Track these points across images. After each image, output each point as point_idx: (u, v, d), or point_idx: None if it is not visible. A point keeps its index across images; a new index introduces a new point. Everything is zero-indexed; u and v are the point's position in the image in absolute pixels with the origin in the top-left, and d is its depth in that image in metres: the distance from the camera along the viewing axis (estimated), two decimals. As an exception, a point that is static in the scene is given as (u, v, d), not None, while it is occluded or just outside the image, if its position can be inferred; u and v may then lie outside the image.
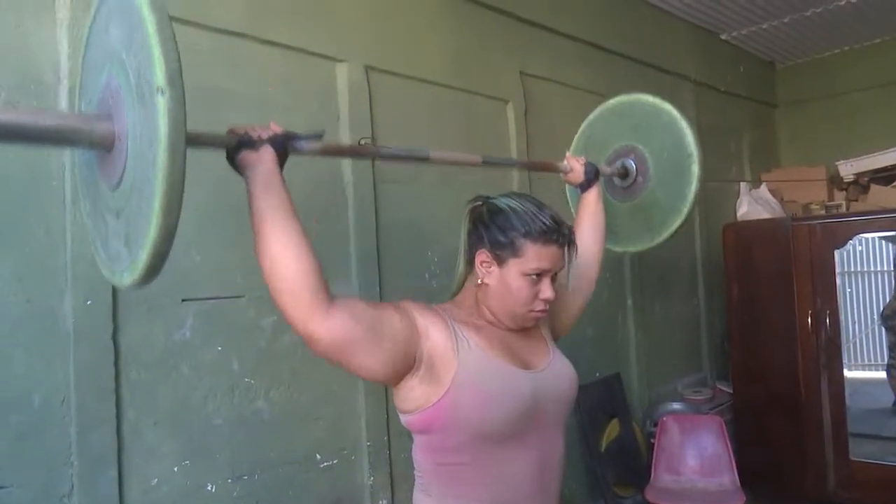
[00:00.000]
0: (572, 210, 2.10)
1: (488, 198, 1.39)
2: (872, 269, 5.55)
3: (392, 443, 2.55)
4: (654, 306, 4.18)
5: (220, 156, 2.19)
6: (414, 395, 1.27)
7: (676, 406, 4.03)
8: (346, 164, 2.55)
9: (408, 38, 2.82)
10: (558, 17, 3.56)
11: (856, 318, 5.50)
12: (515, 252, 1.30)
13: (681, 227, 1.99)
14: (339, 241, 2.52)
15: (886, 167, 4.61)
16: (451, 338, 1.27)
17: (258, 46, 2.33)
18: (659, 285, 4.22)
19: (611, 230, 2.04)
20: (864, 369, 5.53)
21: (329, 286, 1.17)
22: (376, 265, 2.60)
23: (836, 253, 3.89)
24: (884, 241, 5.09)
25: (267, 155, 1.15)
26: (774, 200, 4.88)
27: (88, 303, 1.85)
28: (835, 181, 4.91)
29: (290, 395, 2.31)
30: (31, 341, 1.77)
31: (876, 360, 5.50)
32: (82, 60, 1.16)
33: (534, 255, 1.30)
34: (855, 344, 5.46)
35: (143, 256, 0.91)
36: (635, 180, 2.02)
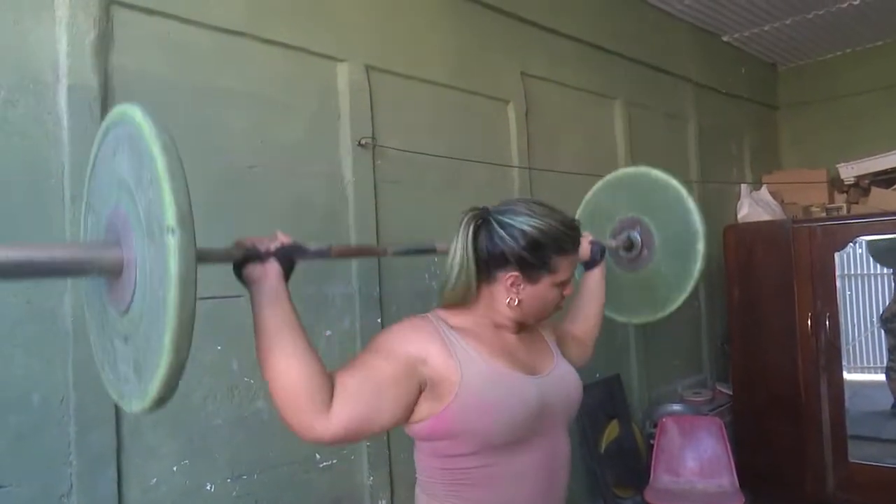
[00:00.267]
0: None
1: (491, 213, 1.34)
2: (872, 271, 5.54)
3: (392, 443, 2.55)
4: (654, 308, 4.17)
5: (217, 155, 2.19)
6: (419, 409, 1.26)
7: (676, 407, 4.02)
8: (347, 164, 2.55)
9: (408, 37, 2.82)
10: (559, 17, 3.56)
11: (855, 321, 5.49)
12: (550, 270, 1.33)
13: (683, 303, 2.02)
14: (340, 241, 2.51)
15: (887, 170, 4.61)
16: (449, 352, 1.25)
17: (258, 45, 2.33)
18: (659, 287, 4.21)
19: (614, 300, 2.06)
20: (863, 372, 5.51)
21: (329, 382, 1.15)
22: (376, 265, 2.59)
23: (837, 255, 3.89)
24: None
25: (272, 269, 1.14)
26: (775, 202, 4.88)
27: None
28: (835, 184, 4.90)
29: (290, 395, 2.30)
30: (30, 341, 1.77)
31: (875, 362, 5.49)
32: (89, 178, 1.16)
33: (565, 266, 1.35)
34: (854, 346, 5.46)
35: (154, 388, 0.91)
36: (640, 253, 2.04)
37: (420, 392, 1.23)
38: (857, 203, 4.74)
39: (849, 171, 4.76)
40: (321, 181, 2.48)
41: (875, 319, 5.00)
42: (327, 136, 2.53)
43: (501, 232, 1.29)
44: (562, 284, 1.36)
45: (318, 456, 2.38)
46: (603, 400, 3.64)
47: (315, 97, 2.50)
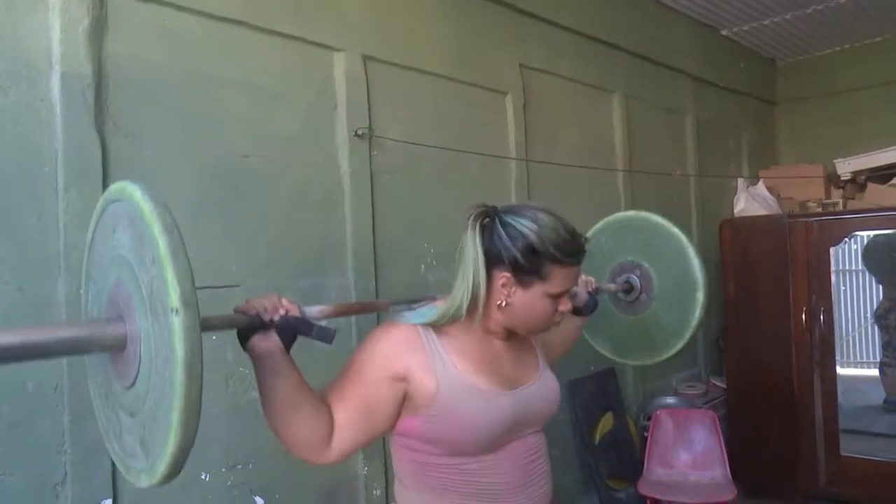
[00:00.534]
0: None
1: (498, 212, 1.31)
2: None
3: (386, 434, 2.54)
4: (650, 301, 4.18)
5: (212, 144, 2.18)
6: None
7: (670, 400, 4.03)
8: (343, 155, 2.54)
9: (406, 28, 2.80)
10: (558, 9, 3.55)
11: (849, 316, 5.52)
12: (542, 277, 1.28)
13: (682, 350, 2.03)
14: (336, 232, 2.51)
15: (884, 166, 4.61)
16: (429, 365, 1.26)
17: (254, 34, 2.32)
18: (655, 280, 4.22)
19: (612, 340, 2.12)
20: (856, 367, 5.55)
21: (329, 421, 1.23)
22: (372, 257, 2.59)
23: (832, 250, 3.90)
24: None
25: (275, 343, 1.15)
26: (771, 197, 4.88)
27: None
28: (832, 179, 4.91)
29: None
30: (24, 328, 1.76)
31: (868, 357, 5.52)
32: (88, 252, 1.17)
33: (560, 278, 1.29)
34: (848, 342, 5.48)
35: (162, 467, 0.93)
36: (639, 297, 2.05)
37: (403, 397, 1.27)
38: (853, 199, 4.74)
39: (845, 167, 4.76)
40: (317, 171, 2.48)
41: (868, 315, 5.02)
42: (324, 127, 2.51)
43: (502, 231, 1.28)
44: (555, 298, 1.30)
45: (312, 446, 2.38)
46: (597, 393, 3.65)
47: (312, 87, 2.48)
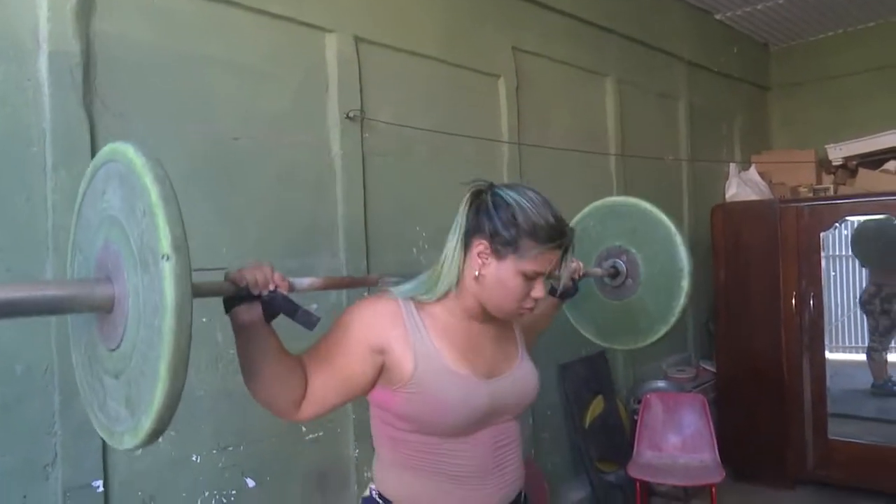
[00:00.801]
0: None
1: (493, 186, 1.33)
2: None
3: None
4: (641, 285, 4.19)
5: (201, 125, 2.17)
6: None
7: (660, 384, 4.06)
8: (335, 136, 2.52)
9: (399, 9, 2.78)
10: (552, -9, 3.52)
11: (838, 302, 5.56)
12: (517, 250, 1.26)
13: (665, 336, 2.03)
14: (327, 214, 2.50)
15: (875, 151, 4.63)
16: (408, 341, 1.27)
17: (244, 14, 2.29)
18: (646, 265, 4.23)
19: (596, 323, 2.12)
20: (844, 351, 5.60)
21: (303, 383, 1.25)
22: (364, 239, 2.58)
23: (823, 236, 3.91)
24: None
25: (258, 312, 1.16)
26: (763, 183, 4.89)
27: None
28: (824, 164, 4.92)
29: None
30: (12, 310, 1.75)
31: (856, 342, 5.57)
32: (76, 220, 1.16)
33: (535, 258, 1.27)
34: (837, 326, 5.53)
35: (148, 422, 0.91)
36: (624, 282, 2.05)
37: (381, 369, 1.29)
38: (844, 184, 4.76)
39: (837, 153, 4.78)
40: (308, 153, 2.46)
41: (857, 299, 5.06)
42: (314, 108, 2.50)
43: (489, 201, 1.30)
44: (528, 279, 1.29)
45: (304, 429, 2.39)
46: (588, 376, 3.67)
47: (303, 68, 2.46)
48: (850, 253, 5.04)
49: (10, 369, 1.76)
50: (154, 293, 0.88)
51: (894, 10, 4.87)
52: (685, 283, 1.95)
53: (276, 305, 1.15)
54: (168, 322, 0.86)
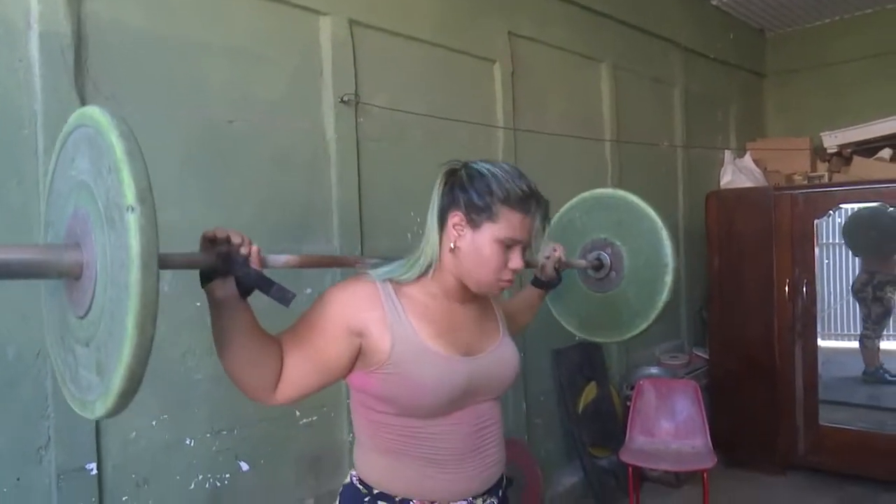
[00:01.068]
0: None
1: (467, 163, 1.35)
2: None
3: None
4: (635, 272, 4.20)
5: (195, 109, 2.15)
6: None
7: (653, 370, 4.08)
8: (329, 120, 2.51)
9: (394, -8, 2.76)
10: (548, -24, 3.50)
11: (831, 289, 5.58)
12: (492, 217, 1.27)
13: (645, 330, 2.02)
14: (321, 199, 2.50)
15: (870, 139, 4.63)
16: (385, 323, 1.27)
17: (239, -4, 2.27)
18: (640, 251, 4.24)
19: (578, 316, 2.11)
20: (836, 339, 5.63)
21: (279, 365, 1.24)
22: (358, 224, 2.58)
23: (817, 223, 3.92)
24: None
25: (233, 288, 1.15)
26: (758, 170, 4.90)
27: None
28: (818, 152, 4.93)
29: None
30: (3, 295, 1.74)
31: (848, 330, 5.60)
32: (47, 196, 1.14)
33: (509, 222, 1.28)
34: (829, 314, 5.55)
35: (117, 380, 0.88)
36: (608, 275, 2.04)
37: (357, 351, 1.28)
38: (838, 172, 4.77)
39: (832, 140, 4.78)
40: (303, 138, 2.45)
41: (850, 287, 5.08)
42: (309, 92, 2.48)
43: (463, 174, 1.32)
44: (505, 248, 1.29)
45: (297, 413, 2.40)
46: (581, 362, 3.69)
47: (297, 52, 2.45)
48: (843, 241, 5.06)
49: (2, 353, 1.76)
50: (121, 249, 0.87)
51: (891, -3, 4.86)
52: (669, 279, 1.94)
53: (250, 280, 1.13)
54: (134, 274, 0.84)
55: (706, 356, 4.41)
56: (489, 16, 3.19)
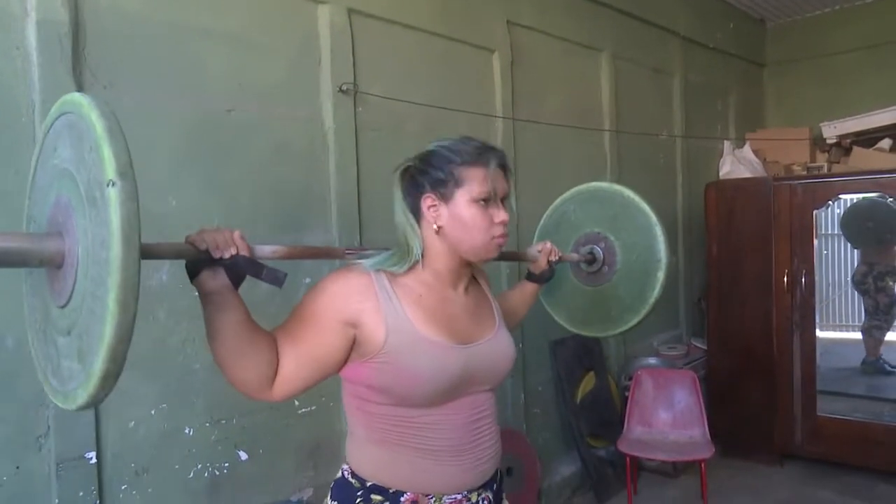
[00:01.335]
0: None
1: (418, 156, 1.38)
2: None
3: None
4: (634, 263, 4.20)
5: (194, 97, 2.14)
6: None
7: (651, 361, 4.09)
8: (328, 110, 2.50)
9: (393, -19, 2.74)
10: (548, -35, 3.48)
11: (830, 280, 5.59)
12: (458, 182, 1.29)
13: (635, 326, 2.01)
14: (320, 188, 2.49)
15: (869, 129, 4.62)
16: (379, 312, 1.26)
17: (238, -16, 2.26)
18: (639, 242, 4.24)
19: (569, 309, 2.10)
20: (835, 330, 5.64)
21: (275, 360, 1.22)
22: (357, 214, 2.57)
23: (816, 214, 3.92)
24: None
25: (223, 278, 1.13)
26: (757, 160, 4.89)
27: None
28: (818, 143, 4.92)
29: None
30: (3, 283, 1.74)
31: (847, 321, 5.61)
32: (29, 192, 1.12)
33: (476, 179, 1.30)
34: (827, 305, 5.56)
35: (98, 362, 0.86)
36: (600, 269, 2.03)
37: (352, 343, 1.27)
38: (838, 162, 4.77)
39: (831, 131, 4.77)
40: (301, 127, 2.44)
41: (848, 278, 5.09)
42: (307, 81, 2.47)
43: (417, 164, 1.35)
44: (483, 205, 1.30)
45: (296, 402, 2.40)
46: (580, 353, 3.69)
47: (295, 40, 2.43)
48: (842, 233, 5.06)
49: (1, 342, 1.76)
50: (101, 225, 0.86)
51: (892, -13, 4.84)
52: (661, 275, 1.93)
53: (239, 267, 1.10)
54: (115, 249, 0.83)
55: (704, 347, 4.41)
56: (488, 5, 3.17)
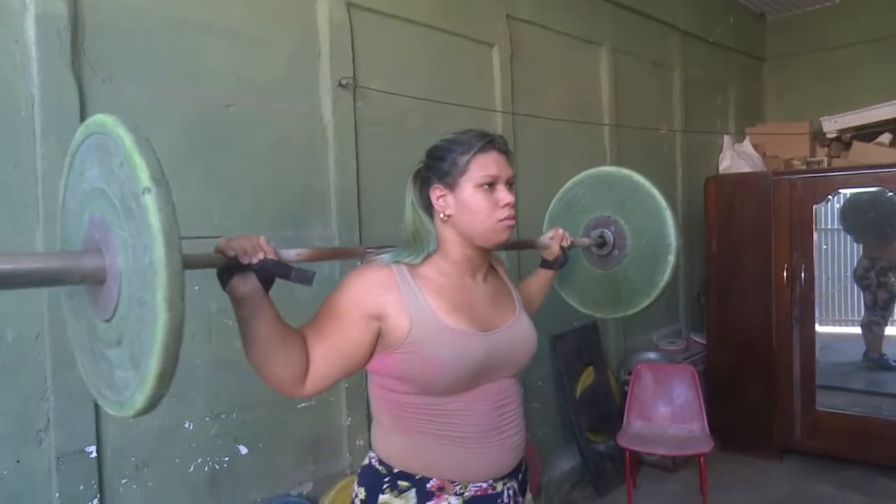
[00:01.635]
0: None
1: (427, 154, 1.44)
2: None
3: (370, 384, 2.56)
4: (634, 257, 4.20)
5: (193, 92, 2.14)
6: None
7: (651, 355, 4.10)
8: (327, 105, 2.50)
9: (392, -25, 2.73)
10: (548, -41, 3.47)
11: (829, 275, 5.58)
12: (461, 170, 1.34)
13: (646, 308, 2.03)
14: (319, 183, 2.49)
15: (869, 124, 4.62)
16: (403, 304, 1.29)
17: (237, -22, 2.25)
18: (639, 237, 4.24)
19: (580, 290, 2.12)
20: (834, 324, 5.64)
21: (305, 359, 1.26)
22: (356, 210, 2.57)
23: (815, 208, 3.92)
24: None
25: (254, 286, 1.17)
26: (757, 155, 4.89)
27: None
28: (818, 137, 4.91)
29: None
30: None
31: (847, 315, 5.61)
32: (61, 219, 1.15)
33: (478, 165, 1.34)
34: (827, 299, 5.56)
35: (153, 363, 0.89)
36: (611, 252, 2.04)
37: (377, 336, 1.31)
38: (838, 157, 4.76)
39: (831, 125, 4.76)
40: (300, 121, 2.44)
41: (848, 273, 5.08)
42: (307, 76, 2.47)
43: (425, 160, 1.42)
44: (488, 189, 1.34)
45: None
46: (579, 347, 3.70)
47: (294, 34, 2.43)
48: (841, 226, 5.05)
49: (1, 336, 1.76)
50: (142, 232, 0.88)
51: (892, -19, 4.83)
52: (671, 258, 1.94)
53: (268, 270, 1.15)
54: (158, 252, 0.86)
55: (704, 341, 4.42)
56: (488, -1, 3.17)
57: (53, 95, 1.81)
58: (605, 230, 2.05)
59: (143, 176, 0.88)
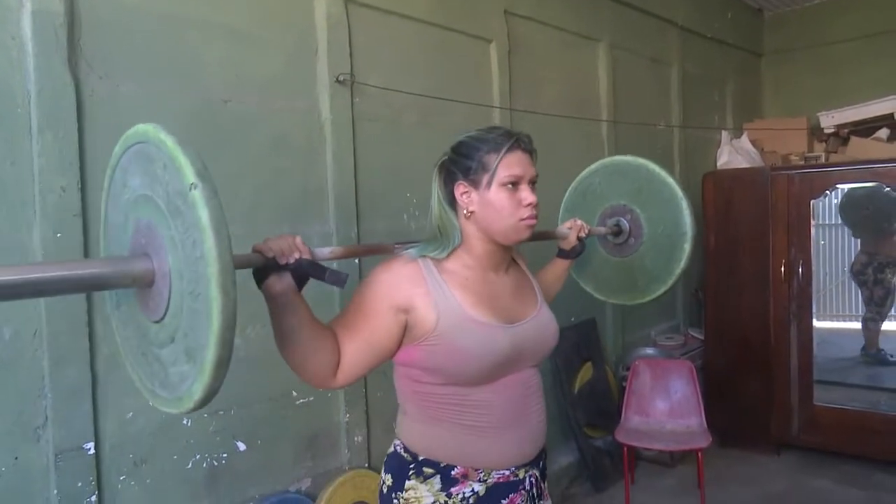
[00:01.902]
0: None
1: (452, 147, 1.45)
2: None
3: (367, 381, 2.57)
4: (632, 253, 4.20)
5: (191, 88, 2.13)
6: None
7: (649, 351, 4.10)
8: (324, 101, 2.50)
9: (389, -30, 2.73)
10: (545, -46, 3.47)
11: (827, 270, 5.59)
12: (486, 168, 1.36)
13: (663, 295, 2.06)
14: (317, 179, 2.49)
15: (867, 119, 4.62)
16: (430, 297, 1.33)
17: (233, -26, 2.24)
18: (637, 232, 4.24)
19: (596, 277, 2.15)
20: (832, 320, 5.65)
21: (337, 352, 1.29)
22: (354, 205, 2.57)
23: (813, 203, 3.92)
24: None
25: (289, 284, 1.20)
26: (755, 150, 4.89)
27: (58, 235, 1.82)
28: (815, 132, 4.91)
29: (267, 333, 2.28)
30: (-1, 273, 1.74)
31: (844, 311, 5.62)
32: (104, 236, 1.19)
33: (503, 165, 1.36)
34: (824, 295, 5.57)
35: (210, 352, 0.91)
36: (627, 240, 2.07)
37: (404, 328, 1.34)
38: (835, 152, 4.76)
39: (829, 120, 4.77)
40: (298, 118, 2.44)
41: (846, 268, 5.08)
42: (304, 72, 2.46)
43: (450, 154, 1.42)
44: (511, 189, 1.36)
45: (294, 393, 2.41)
46: (578, 343, 3.70)
47: (292, 31, 2.42)
48: (839, 221, 5.05)
49: (-2, 333, 1.76)
50: (191, 227, 0.91)
51: (890, -24, 4.83)
52: (687, 246, 1.98)
53: (304, 270, 1.19)
54: (209, 242, 0.89)
55: (702, 337, 4.43)
56: (485, -6, 3.16)
57: (50, 92, 1.81)
58: (621, 219, 2.07)
59: (189, 173, 0.91)
